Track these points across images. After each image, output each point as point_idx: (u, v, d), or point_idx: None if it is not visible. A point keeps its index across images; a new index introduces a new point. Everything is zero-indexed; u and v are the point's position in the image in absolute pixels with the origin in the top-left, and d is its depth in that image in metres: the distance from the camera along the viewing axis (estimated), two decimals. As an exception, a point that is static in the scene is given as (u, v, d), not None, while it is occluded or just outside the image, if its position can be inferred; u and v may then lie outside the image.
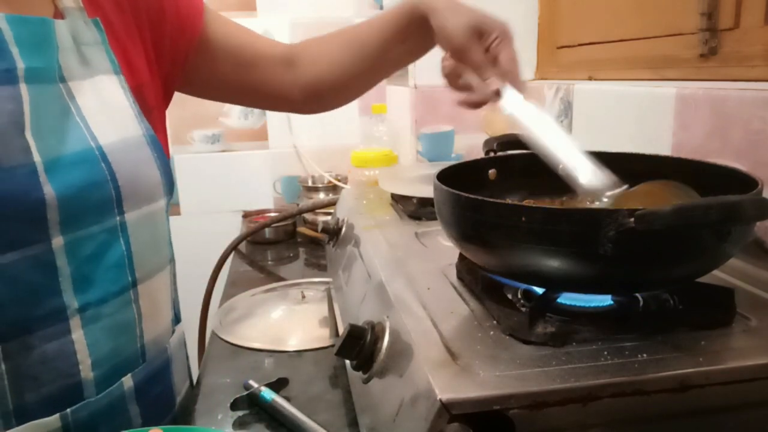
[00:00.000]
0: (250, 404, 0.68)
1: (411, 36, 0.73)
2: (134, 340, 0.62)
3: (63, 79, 0.56)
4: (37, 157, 0.52)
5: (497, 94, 0.61)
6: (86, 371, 0.57)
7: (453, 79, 0.65)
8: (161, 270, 0.65)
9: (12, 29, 0.52)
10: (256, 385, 0.68)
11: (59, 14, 0.58)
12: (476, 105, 0.63)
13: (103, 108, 0.59)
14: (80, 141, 0.56)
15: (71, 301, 0.55)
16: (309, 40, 0.82)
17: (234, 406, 0.67)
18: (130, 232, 0.60)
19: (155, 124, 0.66)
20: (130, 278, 0.60)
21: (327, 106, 0.84)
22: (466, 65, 0.63)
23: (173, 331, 0.69)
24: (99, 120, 0.58)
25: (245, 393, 0.68)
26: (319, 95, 0.81)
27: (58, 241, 0.54)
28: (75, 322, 0.56)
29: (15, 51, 0.52)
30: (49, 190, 0.52)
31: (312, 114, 0.86)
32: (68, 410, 0.55)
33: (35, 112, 0.53)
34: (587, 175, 0.55)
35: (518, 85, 0.61)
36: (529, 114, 0.60)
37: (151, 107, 0.67)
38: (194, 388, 0.75)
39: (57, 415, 0.55)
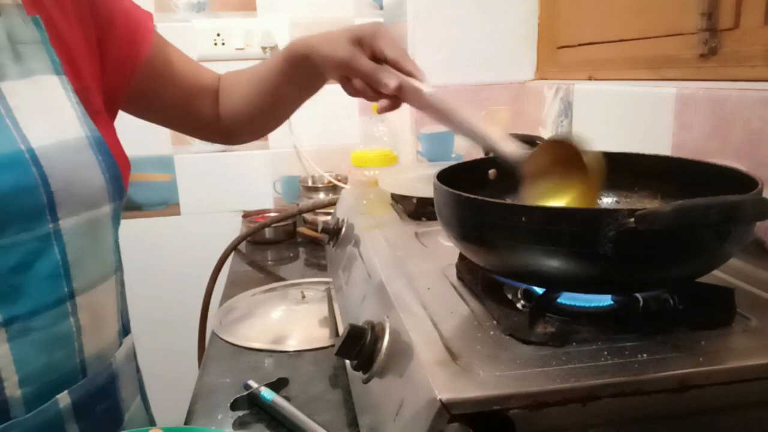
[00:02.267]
0: (250, 404, 0.68)
1: (297, 76, 0.76)
2: (72, 355, 0.57)
3: None
4: None
5: (399, 89, 0.64)
6: (12, 389, 0.53)
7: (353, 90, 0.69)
8: (105, 280, 0.61)
9: None
10: (256, 385, 0.68)
11: None
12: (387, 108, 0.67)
13: (40, 109, 0.55)
14: (8, 143, 0.52)
15: None
16: (228, 74, 0.84)
17: (234, 406, 0.67)
18: (66, 240, 0.55)
19: (104, 127, 0.63)
20: (66, 289, 0.56)
21: (242, 138, 0.88)
22: (358, 77, 0.67)
23: (120, 344, 0.66)
24: (33, 121, 0.54)
25: (245, 393, 0.68)
26: (234, 128, 0.85)
27: None
28: None
29: None
30: None
31: (230, 145, 0.90)
32: None
33: None
34: (508, 145, 0.60)
35: (417, 74, 0.65)
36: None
37: (98, 110, 0.64)
38: (196, 388, 0.75)
39: None
